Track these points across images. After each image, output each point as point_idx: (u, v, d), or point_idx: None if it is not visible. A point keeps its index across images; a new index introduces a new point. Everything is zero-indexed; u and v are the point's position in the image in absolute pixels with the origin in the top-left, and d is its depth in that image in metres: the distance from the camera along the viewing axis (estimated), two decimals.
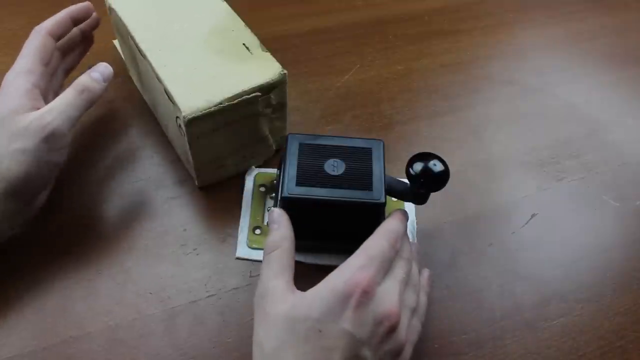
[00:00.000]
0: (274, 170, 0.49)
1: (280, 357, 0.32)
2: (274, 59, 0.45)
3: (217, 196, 0.48)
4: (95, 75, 0.43)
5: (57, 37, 0.46)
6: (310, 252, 0.44)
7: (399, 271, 0.36)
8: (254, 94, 0.43)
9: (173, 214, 0.47)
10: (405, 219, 0.39)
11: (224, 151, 0.46)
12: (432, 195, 0.40)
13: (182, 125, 0.41)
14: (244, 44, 0.46)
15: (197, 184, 0.48)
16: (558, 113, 0.58)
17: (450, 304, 0.43)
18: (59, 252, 0.44)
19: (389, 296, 0.34)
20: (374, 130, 0.54)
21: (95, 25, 0.50)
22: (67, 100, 0.41)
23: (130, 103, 0.54)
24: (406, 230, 0.39)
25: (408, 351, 0.35)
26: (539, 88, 0.60)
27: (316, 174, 0.39)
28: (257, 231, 0.46)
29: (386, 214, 0.40)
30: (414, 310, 0.37)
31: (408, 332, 0.35)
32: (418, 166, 0.38)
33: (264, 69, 0.44)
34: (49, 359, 0.39)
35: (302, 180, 0.39)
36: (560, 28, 0.68)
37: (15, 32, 0.60)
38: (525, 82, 0.60)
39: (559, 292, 0.44)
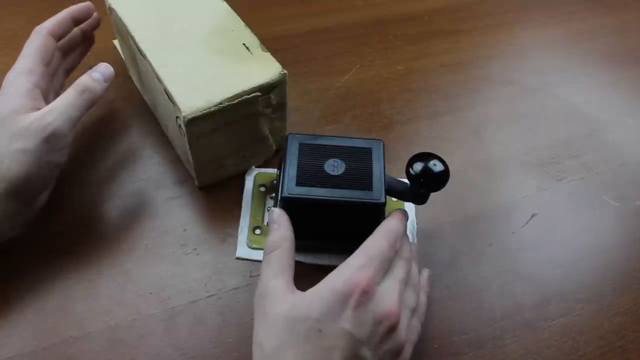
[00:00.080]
0: (274, 170, 0.49)
1: (280, 357, 0.32)
2: (274, 59, 0.45)
3: (217, 196, 0.48)
4: (96, 76, 0.43)
5: (58, 37, 0.46)
6: (310, 252, 0.44)
7: (398, 271, 0.36)
8: (254, 94, 0.43)
9: (173, 214, 0.47)
10: (405, 219, 0.39)
11: (224, 151, 0.46)
12: (432, 195, 0.40)
13: (182, 125, 0.41)
14: (244, 44, 0.46)
15: (197, 184, 0.48)
16: (558, 113, 0.58)
17: (450, 304, 0.43)
18: (60, 252, 0.44)
19: (388, 296, 0.34)
20: (374, 130, 0.54)
21: (96, 25, 0.50)
22: (67, 101, 0.41)
23: (130, 103, 0.54)
24: (406, 230, 0.39)
25: (408, 351, 0.35)
26: (539, 88, 0.60)
27: (316, 174, 0.39)
28: (257, 231, 0.46)
29: (386, 214, 0.40)
30: (413, 310, 0.37)
31: (408, 332, 0.35)
32: (418, 166, 0.38)
33: (264, 69, 0.44)
34: (49, 358, 0.39)
35: (302, 180, 0.39)
36: (560, 28, 0.68)
37: (16, 32, 0.60)
38: (525, 82, 0.60)
39: (559, 292, 0.44)
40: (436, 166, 0.37)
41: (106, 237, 0.45)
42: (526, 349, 0.41)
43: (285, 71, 0.44)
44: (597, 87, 0.61)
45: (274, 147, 0.50)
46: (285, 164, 0.40)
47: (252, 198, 0.48)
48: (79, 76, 0.43)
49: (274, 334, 0.33)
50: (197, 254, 0.44)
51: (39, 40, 0.44)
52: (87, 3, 0.49)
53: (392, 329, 0.33)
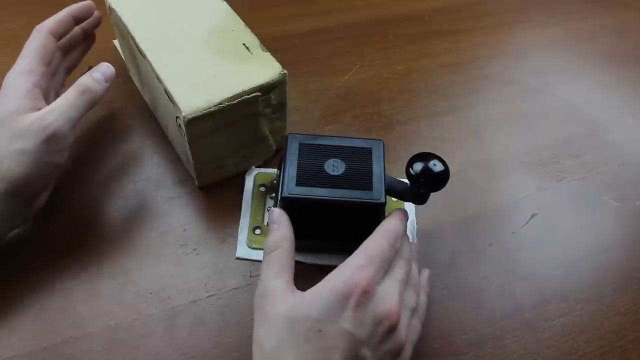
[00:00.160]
0: (274, 170, 0.49)
1: (280, 357, 0.32)
2: (274, 59, 0.45)
3: (217, 196, 0.48)
4: (97, 76, 0.43)
5: (59, 36, 0.46)
6: (310, 252, 0.44)
7: (398, 271, 0.36)
8: (254, 94, 0.43)
9: (173, 214, 0.47)
10: (405, 219, 0.39)
11: (224, 151, 0.46)
12: (432, 195, 0.40)
13: (182, 125, 0.41)
14: (244, 44, 0.46)
15: (197, 184, 0.48)
16: (558, 113, 0.58)
17: (450, 304, 0.43)
18: (60, 252, 0.44)
19: (388, 296, 0.34)
20: (374, 130, 0.54)
21: (97, 23, 0.50)
22: (68, 101, 0.41)
23: (131, 103, 0.54)
24: (406, 229, 0.39)
25: (408, 351, 0.35)
26: (539, 88, 0.60)
27: (316, 174, 0.39)
28: (257, 231, 0.46)
29: (386, 214, 0.40)
30: (413, 310, 0.37)
31: (408, 332, 0.35)
32: (418, 166, 0.38)
33: (264, 69, 0.44)
34: (49, 358, 0.39)
35: (302, 180, 0.39)
36: (560, 28, 0.68)
37: (16, 32, 0.60)
38: (525, 82, 0.60)
39: (559, 292, 0.44)
40: (436, 166, 0.38)
41: (106, 237, 0.45)
42: (526, 349, 0.41)
43: (285, 71, 0.44)
44: (597, 87, 0.61)
45: (274, 147, 0.50)
46: (285, 164, 0.40)
47: (252, 198, 0.48)
48: (79, 75, 0.43)
49: (274, 334, 0.33)
50: (197, 254, 0.44)
51: (39, 39, 0.43)
52: (88, 2, 0.49)
53: (392, 329, 0.33)
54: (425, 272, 0.42)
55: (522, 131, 0.55)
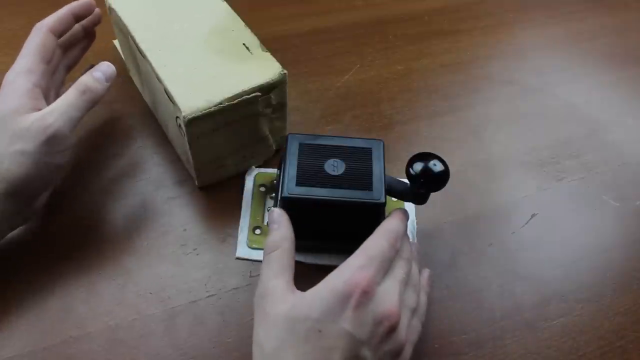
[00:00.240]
0: (274, 170, 0.49)
1: (280, 357, 0.32)
2: (274, 59, 0.45)
3: (217, 196, 0.48)
4: (98, 75, 0.43)
5: (59, 34, 0.45)
6: (310, 252, 0.44)
7: (399, 271, 0.36)
8: (254, 94, 0.43)
9: (173, 214, 0.47)
10: (405, 219, 0.39)
11: (224, 151, 0.46)
12: (432, 195, 0.40)
13: (182, 125, 0.41)
14: (244, 44, 0.46)
15: (197, 184, 0.48)
16: (558, 113, 0.58)
17: (450, 304, 0.43)
18: (60, 252, 0.44)
19: (388, 296, 0.34)
20: (374, 130, 0.54)
21: (98, 21, 0.50)
22: (68, 101, 0.40)
23: (131, 103, 0.54)
24: (406, 229, 0.39)
25: (408, 351, 0.35)
26: (539, 88, 0.60)
27: (316, 174, 0.39)
28: (257, 231, 0.46)
29: (386, 214, 0.40)
30: (414, 311, 0.37)
31: (408, 332, 0.35)
32: (418, 166, 0.38)
33: (264, 69, 0.44)
34: (49, 359, 0.39)
35: (302, 180, 0.39)
36: (560, 28, 0.68)
37: (15, 32, 0.60)
38: (525, 82, 0.60)
39: (559, 292, 0.44)
40: (436, 166, 0.37)
41: (106, 238, 0.45)
42: (526, 349, 0.41)
43: (285, 71, 0.44)
44: (597, 87, 0.61)
45: (274, 147, 0.50)
46: (285, 164, 0.40)
47: (252, 198, 0.48)
48: (80, 74, 0.43)
49: (274, 334, 0.33)
50: (197, 254, 0.44)
51: (39, 38, 0.43)
52: (88, 0, 0.49)
53: (393, 329, 0.33)
54: (426, 272, 0.42)
55: (522, 131, 0.55)
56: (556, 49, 0.65)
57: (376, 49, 0.62)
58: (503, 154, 0.53)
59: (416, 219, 0.47)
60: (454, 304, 0.43)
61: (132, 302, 0.42)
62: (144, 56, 0.45)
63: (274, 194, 0.48)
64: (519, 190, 0.51)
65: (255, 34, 0.47)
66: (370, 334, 0.32)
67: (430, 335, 0.41)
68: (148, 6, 0.48)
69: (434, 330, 0.41)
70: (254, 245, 0.45)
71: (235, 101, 0.42)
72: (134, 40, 0.46)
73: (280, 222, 0.37)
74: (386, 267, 0.35)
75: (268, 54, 0.45)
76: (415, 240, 0.46)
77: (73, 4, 0.47)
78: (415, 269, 0.39)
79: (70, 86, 0.42)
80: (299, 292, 0.34)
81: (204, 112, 0.41)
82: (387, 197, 0.39)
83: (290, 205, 0.38)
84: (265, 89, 0.44)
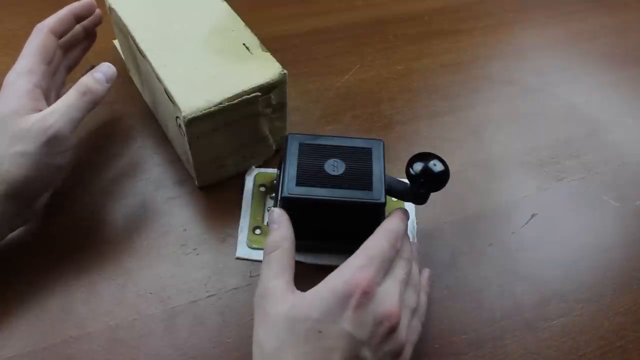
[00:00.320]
0: (274, 170, 0.49)
1: (280, 357, 0.32)
2: (274, 59, 0.45)
3: (217, 196, 0.48)
4: (98, 76, 0.42)
5: (60, 35, 0.45)
6: (310, 252, 0.44)
7: (399, 271, 0.36)
8: (254, 94, 0.43)
9: (173, 214, 0.47)
10: (405, 218, 0.39)
11: (224, 151, 0.46)
12: (432, 195, 0.40)
13: (182, 125, 0.41)
14: (244, 44, 0.46)
15: (197, 184, 0.48)
16: (558, 113, 0.58)
17: (450, 304, 0.43)
18: (60, 252, 0.44)
19: (389, 296, 0.34)
20: (374, 130, 0.54)
21: (98, 22, 0.50)
22: (69, 102, 0.40)
23: (131, 103, 0.54)
24: (407, 229, 0.39)
25: (408, 351, 0.35)
26: (539, 88, 0.60)
27: (316, 174, 0.39)
28: (257, 231, 0.46)
29: (386, 213, 0.40)
30: (414, 311, 0.37)
31: (408, 332, 0.35)
32: (418, 166, 0.38)
33: (264, 69, 0.44)
34: (49, 359, 0.39)
35: (302, 180, 0.39)
36: (560, 28, 0.68)
37: (15, 32, 0.60)
38: (525, 82, 0.60)
39: (559, 292, 0.44)
40: (436, 166, 0.37)
41: (106, 238, 0.45)
42: (526, 349, 0.41)
43: (285, 71, 0.44)
44: (597, 87, 0.61)
45: (274, 147, 0.50)
46: (285, 164, 0.40)
47: (252, 198, 0.48)
48: (80, 74, 0.43)
49: (274, 334, 0.33)
50: (197, 254, 0.44)
51: (39, 38, 0.43)
52: (89, 0, 0.49)
53: (393, 329, 0.33)
54: (426, 272, 0.42)
55: (522, 131, 0.55)
56: (556, 49, 0.65)
57: (376, 49, 0.62)
58: (503, 154, 0.53)
59: (416, 219, 0.47)
60: (454, 304, 0.43)
61: (132, 302, 0.42)
62: (144, 56, 0.45)
63: (274, 194, 0.48)
64: (519, 190, 0.51)
65: (255, 34, 0.47)
66: (370, 335, 0.32)
67: (430, 335, 0.41)
68: (148, 6, 0.48)
69: (434, 330, 0.41)
70: (254, 245, 0.45)
71: (235, 101, 0.42)
72: (134, 40, 0.46)
73: (280, 222, 0.37)
74: (386, 267, 0.35)
75: (268, 54, 0.45)
76: (415, 240, 0.46)
77: (74, 5, 0.47)
78: (415, 269, 0.39)
79: (70, 87, 0.42)
80: (299, 292, 0.34)
81: (204, 112, 0.41)
82: (387, 197, 0.39)
83: (290, 205, 0.38)
84: (265, 89, 0.44)
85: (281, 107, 0.47)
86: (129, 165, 0.50)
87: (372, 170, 0.40)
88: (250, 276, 0.44)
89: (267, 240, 0.37)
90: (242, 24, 0.48)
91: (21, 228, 0.43)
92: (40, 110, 0.40)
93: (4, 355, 0.38)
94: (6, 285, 0.41)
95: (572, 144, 0.55)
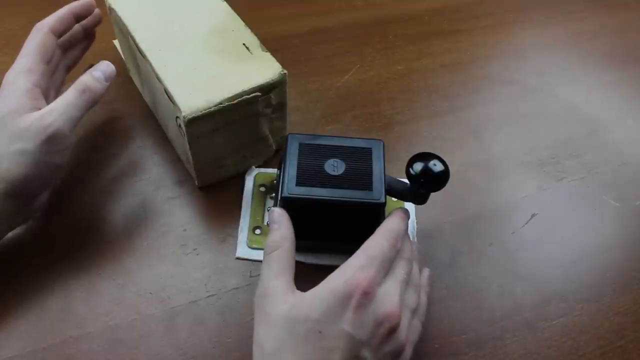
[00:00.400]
0: (274, 170, 0.49)
1: (281, 357, 0.32)
2: (274, 59, 0.45)
3: (217, 196, 0.48)
4: (97, 75, 0.43)
5: (59, 34, 0.45)
6: (311, 252, 0.44)
7: (399, 271, 0.36)
8: (254, 94, 0.43)
9: (173, 214, 0.47)
10: (406, 218, 0.39)
11: (224, 151, 0.46)
12: (432, 195, 0.40)
13: (182, 125, 0.41)
14: (244, 44, 0.46)
15: (197, 184, 0.48)
16: (558, 113, 0.58)
17: (450, 304, 0.43)
18: (60, 252, 0.44)
19: (389, 297, 0.34)
20: (374, 130, 0.54)
21: (98, 21, 0.50)
22: (68, 101, 0.40)
23: (131, 103, 0.54)
24: (407, 229, 0.39)
25: (408, 352, 0.35)
26: (539, 88, 0.60)
27: (316, 174, 0.39)
28: (257, 231, 0.46)
29: (386, 213, 0.40)
30: (414, 311, 0.37)
31: (408, 332, 0.35)
32: (418, 166, 0.38)
33: (264, 69, 0.44)
34: (49, 359, 0.39)
35: (302, 180, 0.39)
36: (560, 28, 0.68)
37: (15, 32, 0.60)
38: (525, 82, 0.60)
39: (559, 292, 0.44)
40: (436, 166, 0.37)
41: (106, 238, 0.45)
42: (526, 349, 0.41)
43: (285, 71, 0.44)
44: (597, 87, 0.61)
45: (274, 147, 0.50)
46: (285, 164, 0.40)
47: (252, 198, 0.48)
48: (79, 74, 0.43)
49: (274, 334, 0.33)
50: (197, 254, 0.44)
51: (39, 37, 0.43)
52: (89, 0, 0.49)
53: (393, 330, 0.33)
54: (426, 272, 0.42)
55: (522, 131, 0.55)
56: (556, 49, 0.65)
57: (376, 49, 0.62)
58: (503, 154, 0.53)
59: (416, 219, 0.47)
60: (454, 304, 0.43)
61: (132, 302, 0.42)
62: (144, 56, 0.45)
63: (274, 194, 0.48)
64: (519, 190, 0.51)
65: (255, 34, 0.47)
66: (370, 335, 0.32)
67: (430, 335, 0.41)
68: (148, 6, 0.48)
69: (434, 330, 0.41)
70: (254, 245, 0.45)
71: (235, 101, 0.42)
72: (134, 40, 0.46)
73: (280, 222, 0.37)
74: (387, 267, 0.35)
75: (268, 54, 0.45)
76: (416, 240, 0.46)
77: (73, 4, 0.47)
78: (415, 268, 0.39)
79: (70, 86, 0.42)
80: (299, 292, 0.34)
81: (204, 112, 0.41)
82: (387, 197, 0.39)
83: (290, 205, 0.38)
84: (265, 89, 0.44)
85: (281, 107, 0.47)
86: (128, 165, 0.50)
87: (372, 170, 0.40)
88: (250, 276, 0.44)
89: (267, 240, 0.37)
90: (242, 24, 0.48)
91: (21, 227, 0.43)
92: (40, 109, 0.40)
93: (3, 355, 0.38)
94: (6, 285, 0.41)
95: (572, 144, 0.55)
